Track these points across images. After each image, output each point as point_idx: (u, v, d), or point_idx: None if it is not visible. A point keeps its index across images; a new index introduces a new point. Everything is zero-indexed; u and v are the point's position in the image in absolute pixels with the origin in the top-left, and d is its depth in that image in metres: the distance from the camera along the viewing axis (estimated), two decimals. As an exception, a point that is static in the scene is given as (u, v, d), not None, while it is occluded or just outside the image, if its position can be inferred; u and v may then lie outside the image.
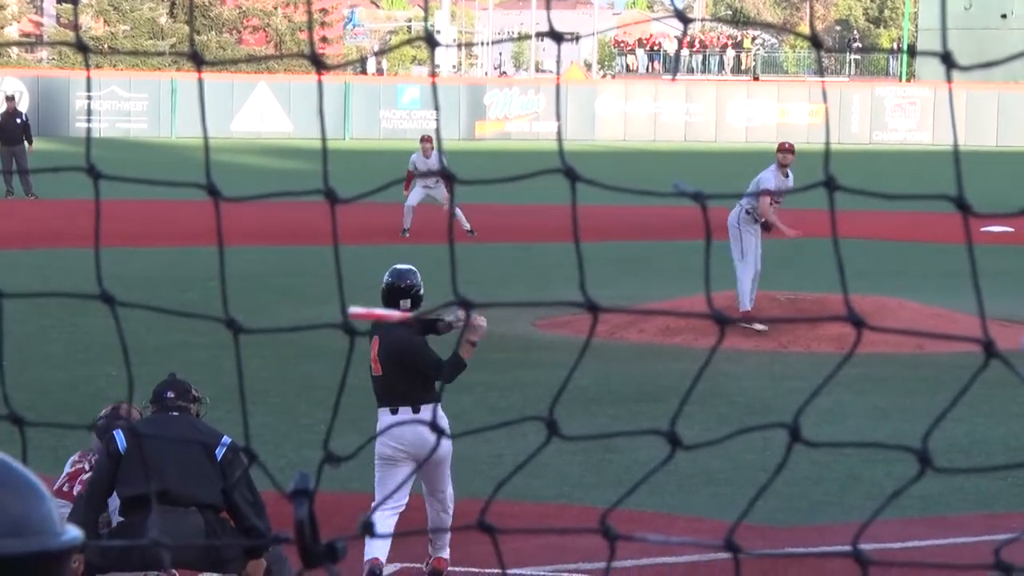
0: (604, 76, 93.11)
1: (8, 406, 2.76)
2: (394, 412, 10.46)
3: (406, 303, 11.09)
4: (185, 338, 18.14)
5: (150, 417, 10.12)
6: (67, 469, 10.85)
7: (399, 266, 11.49)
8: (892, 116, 78.67)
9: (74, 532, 2.29)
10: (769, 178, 22.20)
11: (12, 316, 2.90)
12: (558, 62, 3.07)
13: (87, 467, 10.67)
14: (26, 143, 37.97)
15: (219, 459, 9.73)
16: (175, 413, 10.05)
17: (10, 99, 40.30)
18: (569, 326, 20.48)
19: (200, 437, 9.85)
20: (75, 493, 10.52)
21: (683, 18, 2.88)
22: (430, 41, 2.64)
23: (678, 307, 20.78)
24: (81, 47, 2.83)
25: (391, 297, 11.09)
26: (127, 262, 24.82)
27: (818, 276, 21.83)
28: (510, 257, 29.51)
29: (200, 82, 2.94)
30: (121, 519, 9.81)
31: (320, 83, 2.61)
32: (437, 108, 3.08)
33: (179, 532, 9.38)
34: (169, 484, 9.53)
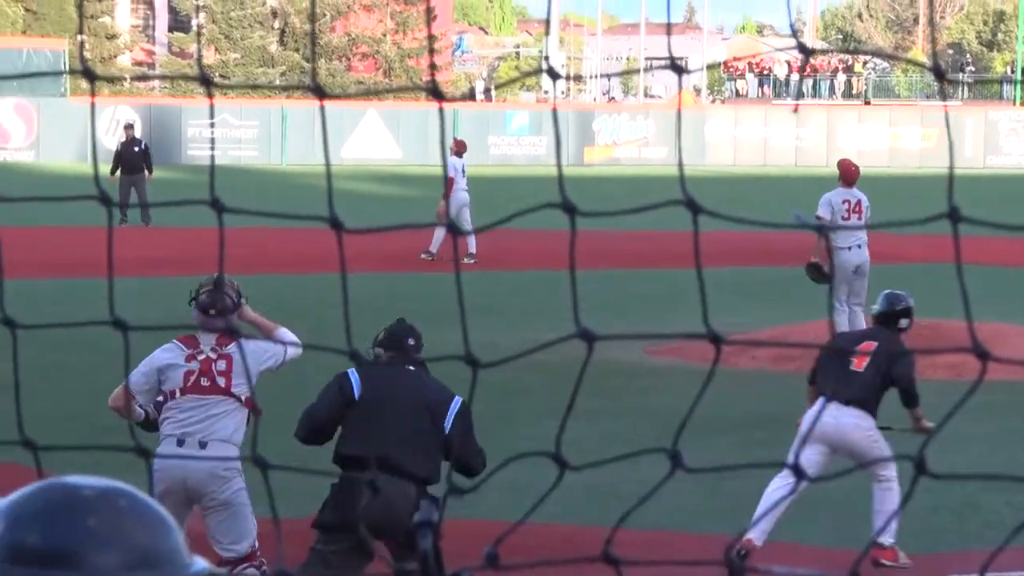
0: (713, 101, 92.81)
1: (133, 437, 2.81)
2: None
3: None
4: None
5: (385, 366, 9.44)
6: (174, 363, 9.97)
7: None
8: (1007, 140, 78.02)
9: (201, 564, 2.32)
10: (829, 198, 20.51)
11: (138, 342, 2.94)
12: (679, 92, 3.06)
13: (216, 357, 9.92)
14: (146, 172, 38.07)
15: (448, 429, 9.21)
16: (411, 368, 9.44)
17: (128, 127, 40.55)
18: (679, 352, 20.40)
19: (431, 401, 9.29)
20: (222, 385, 9.92)
21: (804, 50, 2.88)
22: (552, 74, 2.66)
23: (791, 334, 20.68)
24: (205, 81, 2.86)
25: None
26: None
27: (933, 301, 21.56)
28: (622, 282, 29.42)
29: (322, 111, 2.97)
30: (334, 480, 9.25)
31: (441, 112, 2.63)
32: (557, 141, 3.08)
33: (392, 506, 8.84)
34: (390, 452, 9.00)
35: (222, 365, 9.91)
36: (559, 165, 2.49)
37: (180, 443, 9.70)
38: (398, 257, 30.07)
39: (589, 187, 52.13)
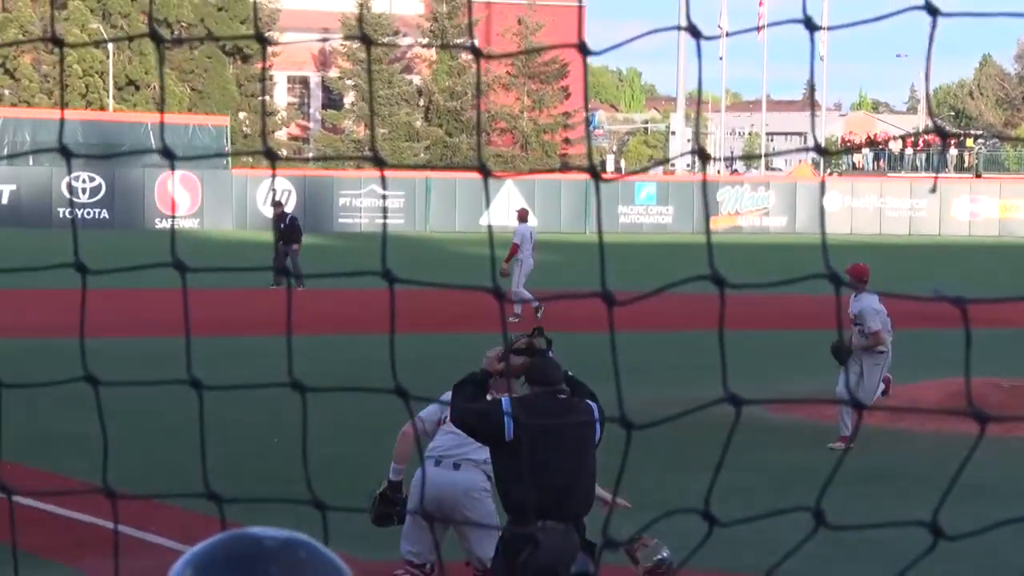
0: (831, 173, 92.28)
1: (310, 491, 2.83)
2: None
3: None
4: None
5: (540, 400, 8.84)
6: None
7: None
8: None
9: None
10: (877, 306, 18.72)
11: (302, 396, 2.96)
12: (823, 168, 3.05)
13: None
14: (293, 244, 38.73)
15: (598, 440, 8.63)
16: (562, 396, 8.80)
17: (277, 204, 41.20)
18: (800, 409, 20.28)
19: (583, 423, 8.59)
20: None
21: (942, 133, 2.86)
22: (702, 155, 2.67)
23: (915, 390, 20.48)
24: (378, 162, 2.89)
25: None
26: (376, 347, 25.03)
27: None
28: (760, 343, 29.17)
29: (485, 183, 2.98)
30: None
31: (598, 186, 2.64)
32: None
33: (561, 557, 8.16)
34: (555, 495, 8.35)
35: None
36: (708, 242, 2.49)
37: (437, 463, 10.16)
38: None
39: (714, 253, 51.80)
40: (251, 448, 15.95)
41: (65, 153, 3.20)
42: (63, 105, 3.03)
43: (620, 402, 2.68)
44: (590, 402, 8.65)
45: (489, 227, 2.67)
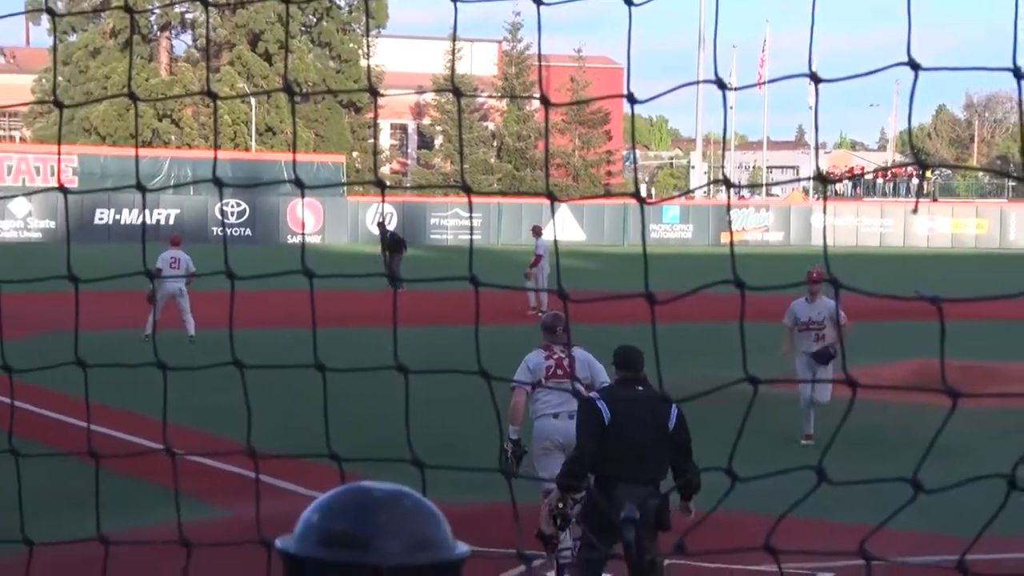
0: (817, 199, 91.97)
1: (411, 451, 2.79)
2: None
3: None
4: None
5: (620, 388, 8.86)
6: (541, 363, 10.80)
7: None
8: (1044, 228, 77.87)
9: (463, 548, 2.29)
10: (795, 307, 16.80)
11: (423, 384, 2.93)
12: (824, 192, 2.99)
13: (555, 365, 10.73)
14: (396, 254, 39.21)
15: (672, 428, 8.54)
16: (640, 387, 8.79)
17: (379, 224, 41.90)
18: (795, 387, 20.04)
19: (659, 410, 8.54)
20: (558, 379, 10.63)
21: (922, 165, 2.78)
22: (727, 183, 2.62)
23: (879, 370, 20.18)
24: (466, 189, 2.86)
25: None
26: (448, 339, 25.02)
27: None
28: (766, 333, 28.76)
29: (552, 206, 2.93)
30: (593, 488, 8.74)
31: (643, 209, 2.58)
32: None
33: (644, 509, 8.07)
34: (634, 464, 8.35)
35: (567, 362, 10.71)
36: (732, 254, 2.43)
37: (555, 417, 10.74)
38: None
39: (726, 263, 51.63)
40: (364, 417, 15.98)
41: (218, 184, 3.18)
42: (216, 147, 3.01)
43: (660, 382, 2.63)
44: (673, 406, 8.58)
45: (555, 241, 2.61)
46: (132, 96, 3.15)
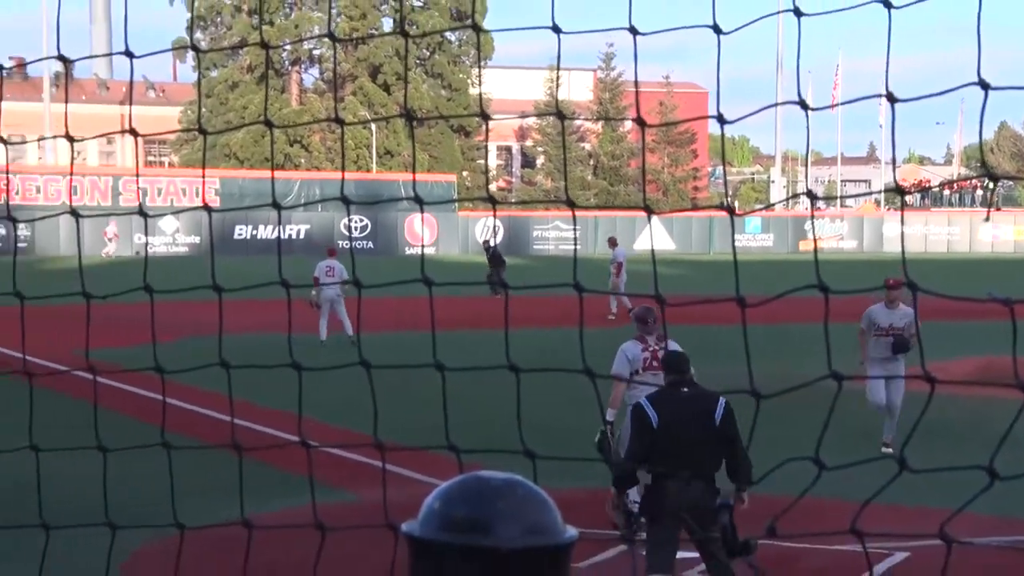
0: (889, 209, 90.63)
1: (522, 442, 2.77)
2: None
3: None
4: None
5: (668, 391, 8.66)
6: (638, 354, 10.76)
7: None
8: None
9: (572, 532, 2.26)
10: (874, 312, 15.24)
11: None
12: (902, 212, 2.91)
13: (651, 356, 10.65)
14: (499, 267, 39.52)
15: (718, 423, 8.34)
16: (685, 389, 8.57)
17: (485, 243, 42.10)
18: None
19: (705, 406, 8.40)
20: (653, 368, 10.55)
21: (993, 177, 2.71)
22: (811, 196, 2.57)
23: (950, 366, 19.74)
24: (570, 204, 2.83)
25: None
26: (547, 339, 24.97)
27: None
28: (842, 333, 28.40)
29: (649, 218, 2.90)
30: (647, 484, 8.64)
31: (732, 220, 2.54)
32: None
33: (691, 501, 8.25)
34: (686, 459, 8.22)
35: (661, 352, 10.53)
36: (816, 261, 2.37)
37: None
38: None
39: (805, 268, 51.10)
40: (480, 414, 15.94)
41: (346, 201, 3.18)
42: (343, 168, 3.01)
43: (751, 377, 2.59)
44: (721, 396, 8.46)
45: (652, 250, 2.57)
46: (268, 123, 3.17)
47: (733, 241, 2.51)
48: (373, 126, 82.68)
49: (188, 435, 14.32)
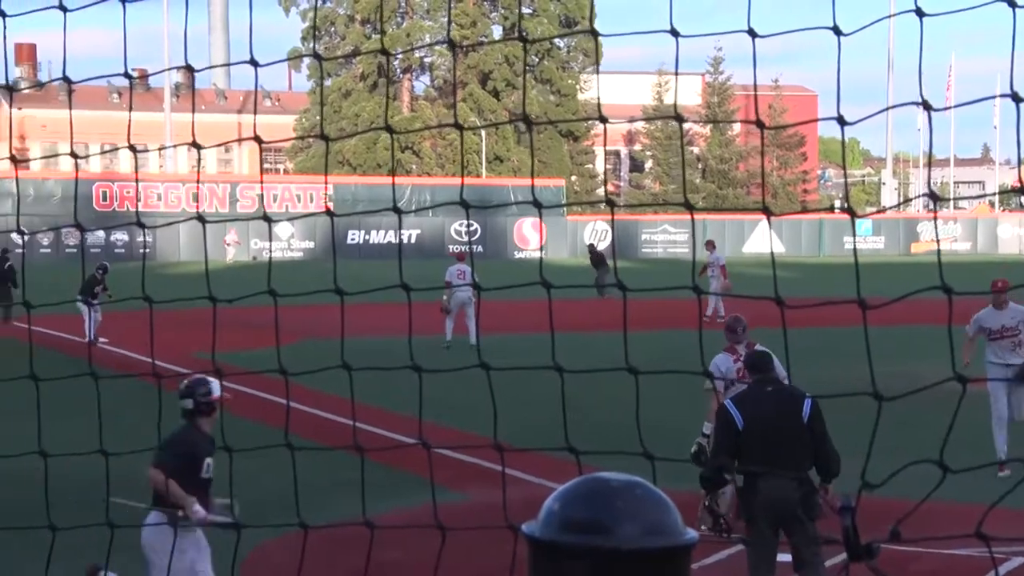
0: (1003, 210, 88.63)
1: (642, 446, 2.76)
2: None
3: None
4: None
5: (752, 391, 8.53)
6: (731, 366, 10.71)
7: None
8: None
9: (693, 533, 2.25)
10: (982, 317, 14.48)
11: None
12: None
13: (743, 366, 10.25)
14: (602, 269, 40.03)
15: (805, 421, 8.20)
16: (769, 388, 8.45)
17: (590, 247, 42.46)
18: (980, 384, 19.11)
19: (792, 405, 8.28)
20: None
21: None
22: (933, 197, 2.53)
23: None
24: (688, 207, 2.82)
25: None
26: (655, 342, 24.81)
27: None
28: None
29: (768, 221, 2.86)
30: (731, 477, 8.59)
31: (854, 223, 2.51)
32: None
33: (785, 497, 8.14)
34: (776, 458, 8.09)
35: None
36: (939, 263, 2.33)
37: None
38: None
39: (916, 270, 50.21)
40: (600, 416, 15.84)
41: (465, 206, 3.20)
42: (463, 174, 3.03)
43: (872, 379, 2.55)
44: (808, 395, 8.33)
45: (771, 253, 2.55)
46: (389, 129, 3.20)
47: (855, 244, 2.47)
48: (483, 132, 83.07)
49: (310, 437, 14.37)
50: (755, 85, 2.82)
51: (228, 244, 63.12)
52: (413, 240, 67.51)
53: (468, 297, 25.40)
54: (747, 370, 8.82)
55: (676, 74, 2.58)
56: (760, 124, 2.67)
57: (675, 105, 2.63)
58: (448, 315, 25.41)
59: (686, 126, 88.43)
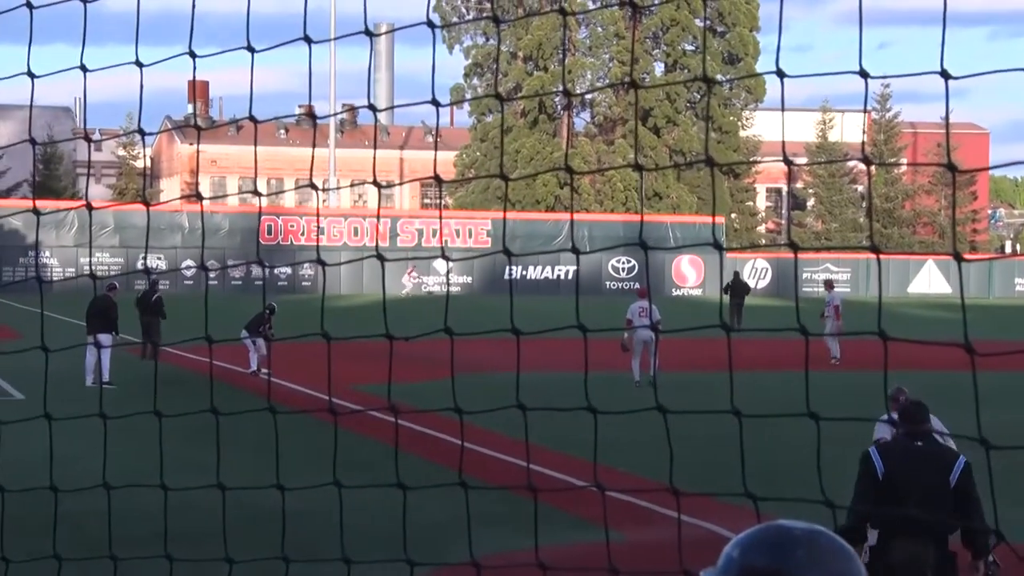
0: None
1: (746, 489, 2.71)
2: None
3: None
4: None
5: (900, 442, 8.02)
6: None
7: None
8: None
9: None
10: None
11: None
12: None
13: None
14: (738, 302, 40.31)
15: (953, 482, 7.68)
16: (919, 443, 7.86)
17: (735, 274, 43.23)
18: None
19: (941, 464, 7.74)
20: None
21: None
22: None
23: None
24: (874, 250, 2.76)
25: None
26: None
27: None
28: None
29: (959, 266, 2.79)
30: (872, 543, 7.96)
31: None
32: None
33: (917, 558, 7.62)
34: (915, 517, 7.64)
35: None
36: None
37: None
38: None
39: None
40: (786, 457, 15.19)
41: (644, 247, 3.20)
42: (641, 211, 3.03)
43: (979, 426, 2.47)
44: (961, 455, 7.78)
45: (962, 296, 2.49)
46: (569, 169, 3.22)
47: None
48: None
49: (478, 476, 14.07)
50: (947, 124, 2.77)
51: (408, 282, 64.39)
52: (569, 276, 67.70)
53: (650, 335, 25.08)
54: (900, 419, 8.14)
55: (865, 111, 2.55)
56: (952, 167, 2.61)
57: (863, 145, 2.59)
58: (631, 352, 25.18)
59: (851, 164, 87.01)
